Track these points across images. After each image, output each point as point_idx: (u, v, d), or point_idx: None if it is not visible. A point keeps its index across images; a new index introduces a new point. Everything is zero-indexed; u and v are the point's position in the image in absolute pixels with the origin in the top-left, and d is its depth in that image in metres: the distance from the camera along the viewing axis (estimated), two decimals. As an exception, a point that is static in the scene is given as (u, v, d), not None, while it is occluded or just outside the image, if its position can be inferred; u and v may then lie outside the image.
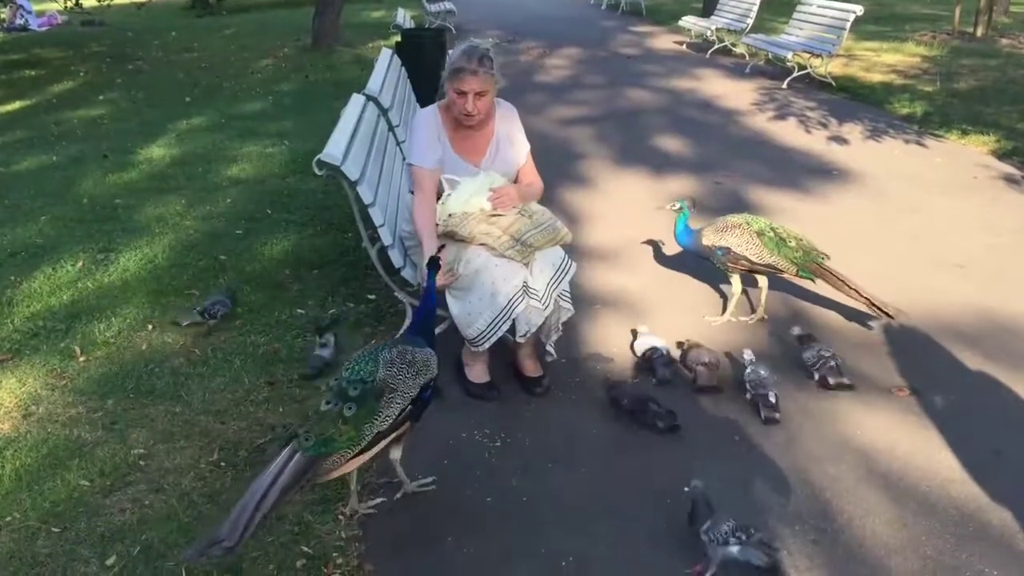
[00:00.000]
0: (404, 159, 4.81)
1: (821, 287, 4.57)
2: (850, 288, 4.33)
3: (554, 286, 3.77)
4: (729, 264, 4.46)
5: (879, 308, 4.26)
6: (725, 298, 4.76)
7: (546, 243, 3.73)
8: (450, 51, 3.78)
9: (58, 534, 3.03)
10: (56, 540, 3.00)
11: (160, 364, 4.16)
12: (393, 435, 2.89)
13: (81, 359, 4.23)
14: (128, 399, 3.87)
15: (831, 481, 3.31)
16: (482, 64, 3.64)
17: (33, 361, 4.21)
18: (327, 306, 4.75)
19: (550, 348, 3.95)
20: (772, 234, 4.39)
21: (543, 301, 3.69)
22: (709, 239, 4.45)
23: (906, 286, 4.93)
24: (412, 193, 3.89)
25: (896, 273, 5.14)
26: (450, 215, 3.70)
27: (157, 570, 2.87)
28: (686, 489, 3.03)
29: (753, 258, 4.38)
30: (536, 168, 4.11)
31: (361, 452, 2.75)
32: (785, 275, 4.48)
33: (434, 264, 3.32)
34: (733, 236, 4.39)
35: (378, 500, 3.22)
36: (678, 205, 4.63)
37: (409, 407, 2.86)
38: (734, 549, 2.73)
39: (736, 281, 4.55)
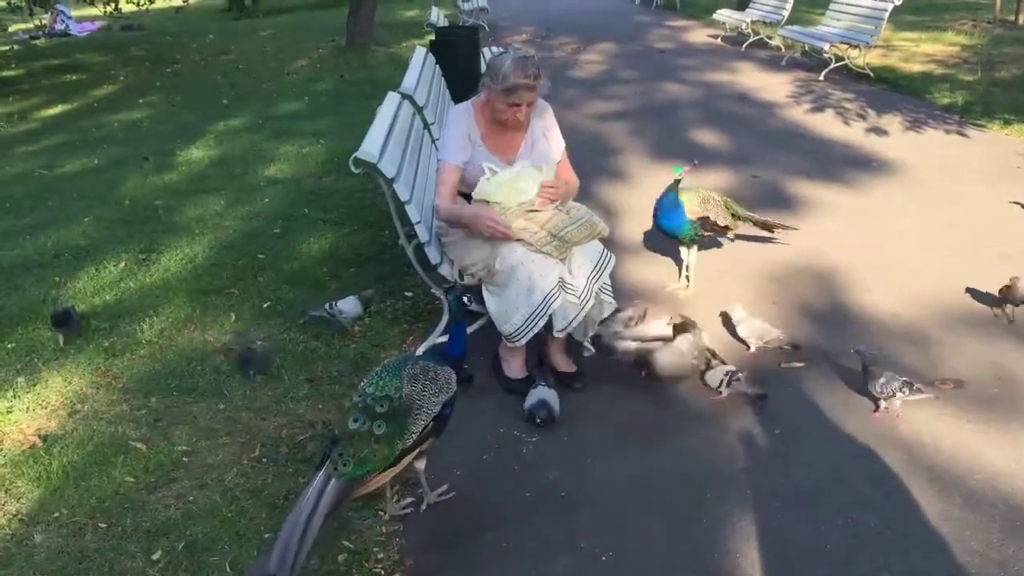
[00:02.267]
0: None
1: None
2: (759, 220, 4.93)
3: (594, 280, 3.77)
4: (703, 234, 4.73)
5: (780, 227, 5.00)
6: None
7: (584, 238, 3.73)
8: (490, 51, 3.77)
9: (104, 530, 3.08)
10: (103, 535, 3.05)
11: (202, 362, 4.21)
12: (416, 451, 2.88)
13: (125, 357, 4.30)
14: (171, 397, 3.92)
15: (874, 474, 3.27)
16: (537, 77, 3.67)
17: (78, 360, 4.28)
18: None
19: (588, 344, 3.95)
20: (723, 199, 4.78)
21: (581, 296, 3.68)
22: (694, 212, 4.62)
23: (950, 277, 4.86)
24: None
25: (939, 264, 5.07)
26: (488, 203, 3.69)
27: (202, 564, 2.90)
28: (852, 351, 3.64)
29: (722, 223, 4.69)
30: (571, 164, 4.11)
31: (388, 468, 2.76)
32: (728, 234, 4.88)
33: (460, 305, 3.18)
34: (711, 207, 4.66)
35: (409, 500, 3.22)
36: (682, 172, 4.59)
37: (431, 424, 2.85)
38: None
39: (694, 251, 4.85)
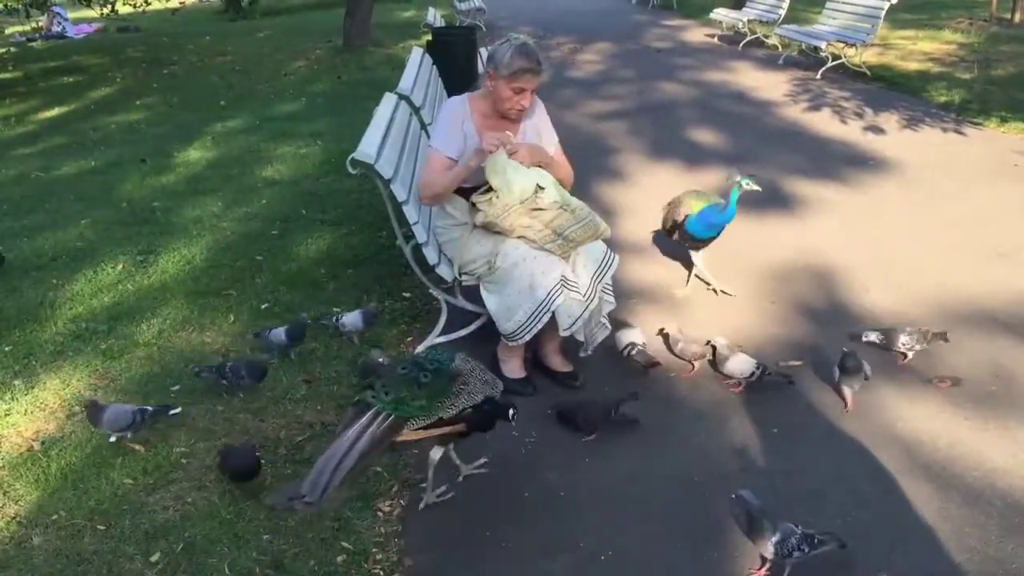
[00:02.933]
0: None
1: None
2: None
3: (598, 280, 3.77)
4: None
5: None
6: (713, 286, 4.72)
7: (587, 238, 3.72)
8: (492, 48, 3.76)
9: (103, 532, 3.08)
10: (101, 537, 3.05)
11: (200, 363, 4.20)
12: (449, 429, 2.94)
13: (123, 359, 4.29)
14: (169, 398, 3.91)
15: (873, 473, 3.27)
16: (539, 62, 3.71)
17: (76, 362, 4.27)
18: (362, 304, 4.77)
19: (589, 351, 3.94)
20: None
21: (586, 295, 3.69)
22: None
23: (947, 276, 4.87)
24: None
25: (937, 263, 5.07)
26: (489, 194, 3.68)
27: (200, 566, 2.90)
28: (733, 496, 2.85)
29: None
30: (568, 160, 4.12)
31: (424, 428, 2.84)
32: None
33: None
34: None
35: (483, 460, 3.38)
36: (743, 180, 4.52)
37: (469, 409, 2.92)
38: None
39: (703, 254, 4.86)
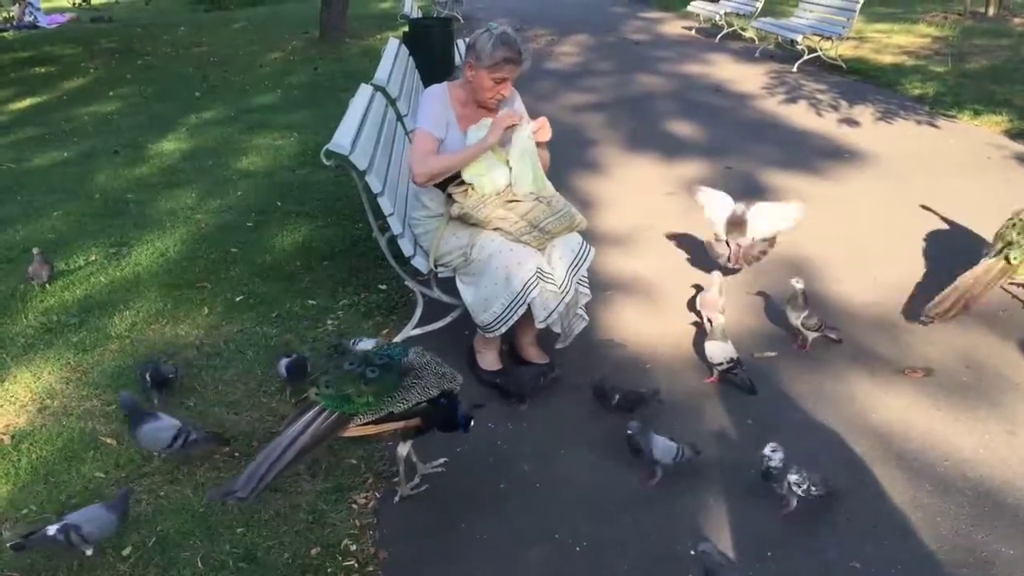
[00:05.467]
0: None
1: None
2: None
3: (574, 272, 3.77)
4: None
5: None
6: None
7: (563, 230, 3.73)
8: (471, 38, 3.72)
9: (75, 526, 3.05)
10: (73, 532, 3.02)
11: (173, 357, 4.17)
12: (403, 424, 2.92)
13: (95, 352, 4.25)
14: (142, 392, 3.88)
15: (845, 462, 3.29)
16: (520, 51, 3.68)
17: (47, 355, 4.23)
18: (338, 296, 4.76)
19: (567, 343, 3.94)
20: None
21: (562, 286, 3.68)
22: None
23: (920, 267, 4.90)
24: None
25: (910, 255, 5.11)
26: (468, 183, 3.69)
27: (172, 560, 2.88)
28: (692, 553, 2.82)
29: None
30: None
31: (372, 423, 2.82)
32: None
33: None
34: None
35: (442, 460, 3.36)
36: None
37: (424, 403, 2.90)
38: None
39: None
